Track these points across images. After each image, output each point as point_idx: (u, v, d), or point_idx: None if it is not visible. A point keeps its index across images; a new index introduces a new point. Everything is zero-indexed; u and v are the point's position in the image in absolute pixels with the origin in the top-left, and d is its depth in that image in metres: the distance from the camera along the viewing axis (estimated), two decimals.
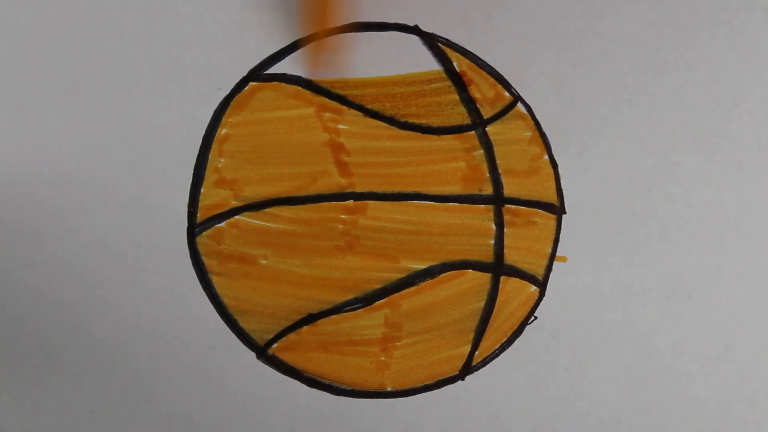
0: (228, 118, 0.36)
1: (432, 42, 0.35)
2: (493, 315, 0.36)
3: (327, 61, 0.35)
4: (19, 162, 0.36)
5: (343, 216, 0.35)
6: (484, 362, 0.36)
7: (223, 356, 0.36)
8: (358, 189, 0.35)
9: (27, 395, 0.37)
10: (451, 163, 0.35)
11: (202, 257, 0.36)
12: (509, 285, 0.36)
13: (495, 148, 0.36)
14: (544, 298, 0.36)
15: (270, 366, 0.36)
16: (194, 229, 0.36)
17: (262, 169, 0.35)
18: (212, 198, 0.36)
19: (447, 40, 0.36)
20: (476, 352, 0.36)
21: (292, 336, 0.36)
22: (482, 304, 0.36)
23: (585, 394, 0.36)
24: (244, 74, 0.36)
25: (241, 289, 0.36)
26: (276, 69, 0.36)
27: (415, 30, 0.36)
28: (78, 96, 0.36)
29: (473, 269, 0.36)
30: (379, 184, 0.35)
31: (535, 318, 0.36)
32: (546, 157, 0.36)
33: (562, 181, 0.36)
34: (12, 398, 0.37)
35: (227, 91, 0.36)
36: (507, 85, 0.36)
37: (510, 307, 0.36)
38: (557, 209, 0.36)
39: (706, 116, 0.36)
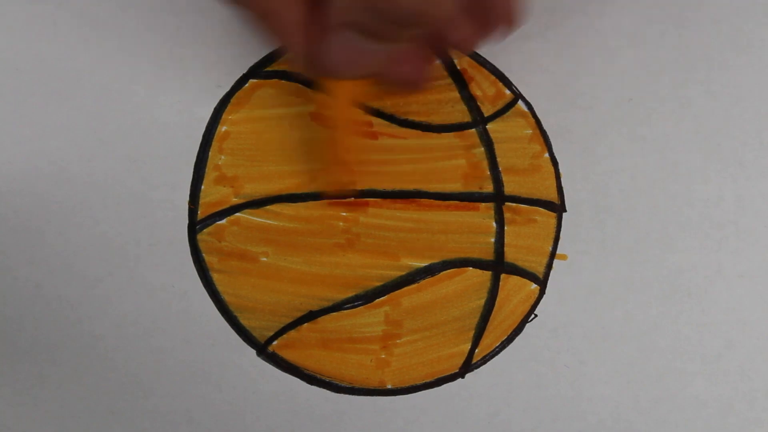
0: (228, 116, 0.36)
1: None
2: (493, 313, 0.36)
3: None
4: (19, 158, 0.36)
5: (344, 213, 0.35)
6: (485, 360, 0.36)
7: (223, 353, 0.36)
8: (359, 186, 0.35)
9: (27, 391, 0.37)
10: (452, 160, 0.35)
11: (203, 254, 0.36)
12: (510, 283, 0.36)
13: (495, 146, 0.36)
14: (545, 296, 0.36)
15: (270, 363, 0.36)
16: (195, 226, 0.36)
17: (263, 166, 0.35)
18: (213, 195, 0.36)
19: None
20: (476, 350, 0.36)
21: (292, 333, 0.36)
22: (482, 301, 0.36)
23: (585, 392, 0.36)
24: (245, 71, 0.36)
25: (242, 286, 0.36)
26: (276, 66, 0.36)
27: None
28: (78, 92, 0.36)
29: (474, 267, 0.36)
30: (380, 181, 0.35)
31: (536, 316, 0.36)
32: (547, 155, 0.36)
33: (562, 179, 0.36)
34: (12, 393, 0.37)
35: (227, 88, 0.36)
36: (508, 83, 0.36)
37: (510, 304, 0.36)
38: (558, 207, 0.36)
39: (707, 115, 0.36)
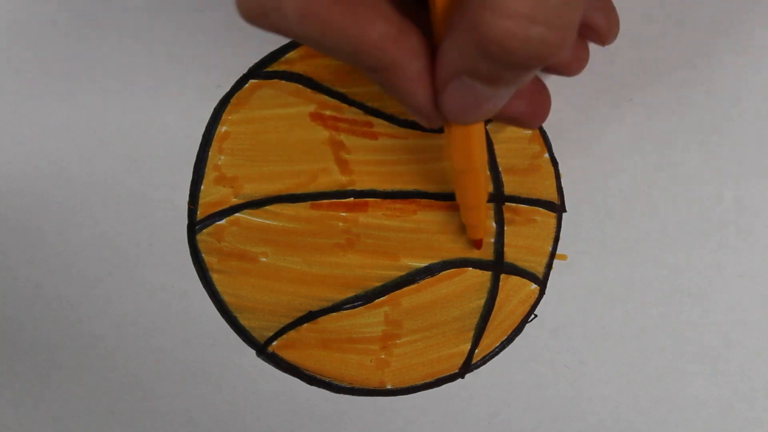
0: (228, 116, 0.36)
1: None
2: (493, 313, 0.36)
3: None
4: (19, 158, 0.36)
5: (344, 214, 0.35)
6: (484, 360, 0.36)
7: (223, 353, 0.36)
8: (359, 187, 0.35)
9: (27, 391, 0.37)
10: None
11: (203, 254, 0.36)
12: (509, 283, 0.36)
13: (495, 146, 0.36)
14: (544, 296, 0.36)
15: (270, 363, 0.36)
16: (194, 226, 0.36)
17: (263, 166, 0.35)
18: (212, 195, 0.36)
19: None
20: (476, 350, 0.36)
21: (292, 333, 0.36)
22: (482, 302, 0.36)
23: (585, 392, 0.36)
24: (245, 71, 0.36)
25: (242, 286, 0.36)
26: (276, 66, 0.36)
27: None
28: (78, 92, 0.36)
29: (473, 267, 0.36)
30: (380, 182, 0.35)
31: (535, 316, 0.36)
32: (546, 155, 0.36)
33: (562, 180, 0.36)
34: (12, 394, 0.37)
35: (227, 89, 0.36)
36: None
37: (510, 305, 0.36)
38: (557, 207, 0.36)
39: (707, 114, 0.36)
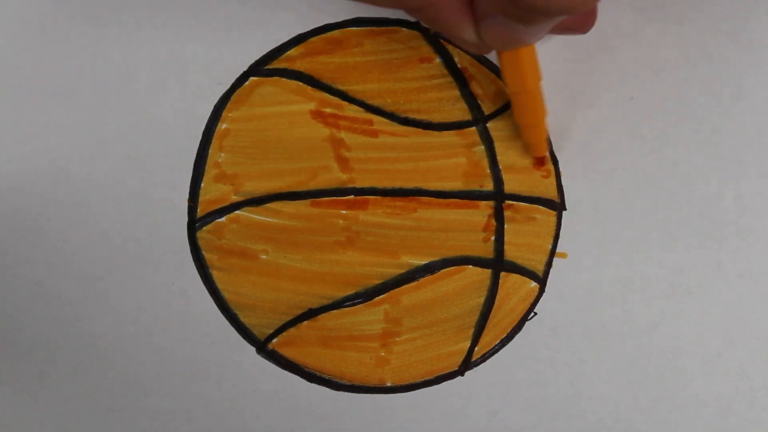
0: (228, 113, 0.36)
1: (433, 37, 0.36)
2: (493, 311, 0.36)
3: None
4: (19, 156, 0.36)
5: (344, 211, 0.35)
6: (484, 358, 0.36)
7: (223, 351, 0.36)
8: (359, 184, 0.35)
9: (27, 389, 0.37)
10: (452, 158, 0.36)
11: (203, 252, 0.36)
12: (509, 281, 0.36)
13: (496, 144, 0.36)
14: (544, 294, 0.36)
15: (270, 361, 0.36)
16: (194, 223, 0.36)
17: (263, 164, 0.35)
18: (212, 193, 0.36)
19: None
20: (476, 348, 0.36)
21: (292, 331, 0.36)
22: (482, 299, 0.36)
23: (585, 390, 0.36)
24: (245, 69, 0.36)
25: (242, 283, 0.36)
26: (277, 64, 0.36)
27: (417, 25, 0.36)
28: (78, 90, 0.36)
29: (473, 265, 0.36)
30: (380, 179, 0.35)
31: (535, 314, 0.36)
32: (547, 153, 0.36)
33: (562, 178, 0.36)
34: (12, 392, 0.37)
35: (227, 86, 0.36)
36: None
37: (510, 303, 0.36)
38: (558, 205, 0.36)
39: (707, 113, 0.36)
